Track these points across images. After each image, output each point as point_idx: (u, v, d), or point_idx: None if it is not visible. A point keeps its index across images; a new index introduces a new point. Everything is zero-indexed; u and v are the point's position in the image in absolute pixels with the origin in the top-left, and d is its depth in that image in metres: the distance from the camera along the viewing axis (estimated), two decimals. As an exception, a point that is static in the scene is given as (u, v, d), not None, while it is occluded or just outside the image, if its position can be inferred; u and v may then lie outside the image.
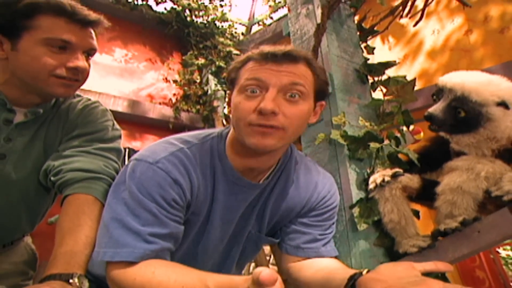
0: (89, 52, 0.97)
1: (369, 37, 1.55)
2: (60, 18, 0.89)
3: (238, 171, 0.92)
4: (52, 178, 0.93)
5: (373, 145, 1.21)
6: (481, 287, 3.11)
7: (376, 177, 1.10)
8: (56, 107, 1.04)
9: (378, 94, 1.42)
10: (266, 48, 0.86)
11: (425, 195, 1.13)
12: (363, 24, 1.55)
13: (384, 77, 1.40)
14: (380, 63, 1.36)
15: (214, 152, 0.92)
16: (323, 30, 1.27)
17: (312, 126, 1.36)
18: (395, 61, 1.34)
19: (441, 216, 0.99)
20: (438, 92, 1.04)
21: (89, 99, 1.11)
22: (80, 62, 0.92)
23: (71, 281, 0.74)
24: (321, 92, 0.93)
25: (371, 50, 1.50)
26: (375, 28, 1.53)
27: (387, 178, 1.07)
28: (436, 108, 0.99)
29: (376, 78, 1.41)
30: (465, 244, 0.96)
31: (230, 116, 0.90)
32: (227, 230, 0.98)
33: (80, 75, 0.95)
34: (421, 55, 3.15)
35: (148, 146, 0.92)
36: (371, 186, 1.10)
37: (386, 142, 1.24)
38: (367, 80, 1.42)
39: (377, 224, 1.14)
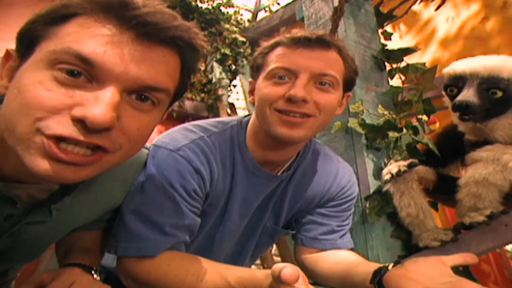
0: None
1: (387, 22, 1.52)
2: None
3: (258, 162, 0.89)
4: None
5: (392, 134, 1.18)
6: (486, 280, 3.11)
7: (391, 168, 1.07)
8: None
9: (394, 82, 1.39)
10: (298, 33, 0.82)
11: (441, 188, 1.10)
12: (380, 9, 1.51)
13: (403, 64, 1.37)
14: (399, 49, 1.33)
15: (234, 142, 0.89)
16: (340, 14, 1.24)
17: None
18: (416, 47, 1.30)
19: (464, 209, 0.96)
20: (457, 81, 0.98)
21: None
22: None
23: (92, 272, 0.72)
24: (350, 82, 0.89)
25: (388, 36, 1.46)
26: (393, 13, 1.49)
27: (403, 168, 1.04)
28: (468, 95, 0.93)
29: (394, 65, 1.37)
30: (491, 237, 0.94)
31: (254, 105, 0.86)
32: (243, 222, 0.95)
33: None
34: (433, 43, 3.09)
35: (166, 132, 0.88)
36: (386, 177, 1.08)
37: (404, 131, 1.21)
38: (385, 67, 1.39)
39: (394, 216, 1.12)
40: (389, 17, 1.50)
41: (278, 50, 0.83)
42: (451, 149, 1.11)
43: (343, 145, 1.25)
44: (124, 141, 0.53)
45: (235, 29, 3.91)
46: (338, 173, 1.02)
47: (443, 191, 1.11)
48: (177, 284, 0.72)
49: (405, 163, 1.06)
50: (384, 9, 1.53)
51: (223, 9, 3.96)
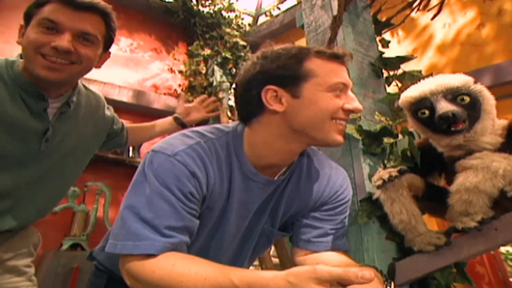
0: (85, 37, 1.01)
1: (384, 30, 1.54)
2: (53, 2, 0.98)
3: (255, 166, 0.92)
4: None
5: (387, 140, 1.21)
6: (481, 282, 3.13)
7: (382, 174, 1.09)
8: (79, 98, 1.16)
9: (391, 89, 1.42)
10: None
11: (428, 196, 1.13)
12: (378, 17, 1.54)
13: (399, 71, 1.39)
14: (396, 57, 1.35)
15: (230, 148, 0.92)
16: (339, 23, 1.26)
17: (325, 120, 1.35)
18: (412, 55, 1.33)
19: (456, 214, 0.99)
20: (423, 103, 1.01)
21: (98, 94, 1.28)
22: (63, 42, 0.96)
23: None
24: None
25: (386, 44, 1.49)
26: (391, 21, 1.52)
27: (394, 174, 1.06)
28: (446, 106, 0.96)
29: (391, 72, 1.40)
30: (481, 241, 0.96)
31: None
32: (241, 226, 0.97)
33: (67, 56, 0.98)
34: (430, 49, 3.12)
35: (164, 139, 0.91)
36: (377, 183, 1.08)
37: (400, 137, 1.23)
38: (382, 74, 1.41)
39: (388, 219, 1.14)
40: (387, 25, 1.53)
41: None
42: (428, 164, 1.14)
43: (341, 150, 1.27)
44: (80, 59, 1.01)
45: (236, 33, 3.94)
46: (331, 177, 1.04)
47: (430, 198, 1.13)
48: (181, 283, 0.73)
49: (395, 169, 1.07)
50: (381, 17, 1.56)
51: (224, 13, 3.99)
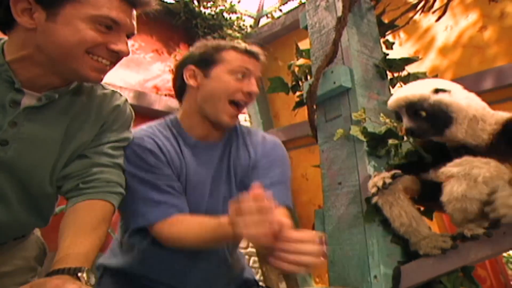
0: (129, 36, 0.90)
1: (388, 32, 1.53)
2: None
3: (196, 137, 1.11)
4: (81, 185, 0.90)
5: (392, 141, 1.19)
6: (482, 285, 3.11)
7: (376, 181, 1.08)
8: (78, 94, 0.94)
9: (395, 90, 1.40)
10: None
11: (425, 196, 1.12)
12: (381, 18, 1.53)
13: (404, 73, 1.38)
14: (401, 59, 1.34)
15: (171, 126, 1.12)
16: (344, 24, 1.25)
17: (329, 122, 1.34)
18: (417, 57, 1.32)
19: (457, 221, 0.98)
20: (396, 113, 1.11)
21: (116, 92, 1.04)
22: (125, 46, 0.86)
23: (79, 274, 0.73)
24: None
25: (390, 45, 1.48)
26: (395, 23, 1.51)
27: (388, 180, 1.05)
28: (405, 122, 1.05)
29: (395, 74, 1.39)
30: (489, 245, 0.95)
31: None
32: (203, 193, 1.09)
33: (116, 59, 0.88)
34: (432, 51, 3.11)
35: None
36: (372, 190, 1.08)
37: (405, 139, 1.22)
38: (386, 75, 1.40)
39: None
40: (391, 26, 1.52)
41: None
42: (435, 153, 1.13)
43: (345, 152, 1.26)
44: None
45: (238, 34, 3.92)
46: (264, 138, 1.18)
47: (428, 198, 1.12)
48: (192, 232, 0.96)
49: (389, 174, 1.07)
50: (385, 19, 1.54)
51: (226, 15, 3.98)
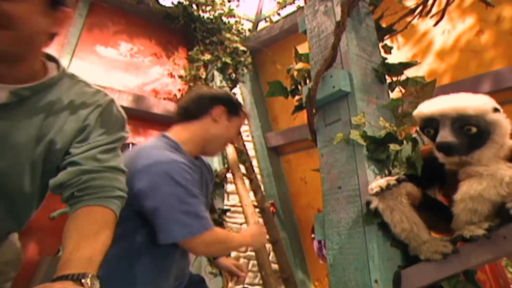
0: None
1: (386, 36, 1.53)
2: None
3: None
4: (76, 193, 0.88)
5: (393, 146, 1.19)
6: (482, 288, 3.11)
7: (380, 182, 1.07)
8: (50, 90, 0.89)
9: (394, 95, 1.40)
10: None
11: (425, 207, 1.11)
12: (380, 23, 1.53)
13: (403, 77, 1.38)
14: (400, 63, 1.34)
15: (178, 151, 1.25)
16: (343, 28, 1.25)
17: (329, 126, 1.34)
18: (416, 61, 1.32)
19: (461, 223, 0.97)
20: (431, 122, 1.01)
21: (100, 92, 0.99)
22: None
23: (83, 281, 0.72)
24: None
25: (388, 50, 1.48)
26: (393, 27, 1.51)
27: (392, 182, 1.04)
28: (446, 136, 0.96)
29: (394, 78, 1.39)
30: (489, 249, 0.95)
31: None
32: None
33: None
34: (430, 55, 3.12)
35: (152, 152, 1.17)
36: (375, 190, 1.07)
37: (405, 144, 1.22)
38: (385, 80, 1.40)
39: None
40: (389, 31, 1.52)
41: None
42: (430, 174, 1.13)
43: (345, 156, 1.26)
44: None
45: (236, 38, 3.94)
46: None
47: (426, 209, 1.12)
48: (232, 239, 1.23)
49: (393, 177, 1.06)
50: (383, 24, 1.55)
51: (224, 19, 3.99)
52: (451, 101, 0.99)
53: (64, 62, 3.35)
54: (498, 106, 0.98)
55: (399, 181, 1.04)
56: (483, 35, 2.79)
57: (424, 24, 3.10)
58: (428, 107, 1.02)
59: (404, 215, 1.04)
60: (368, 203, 1.13)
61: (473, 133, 0.95)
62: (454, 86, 2.72)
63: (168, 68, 4.07)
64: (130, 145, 3.51)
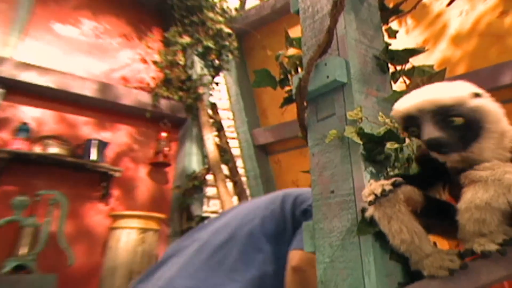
0: None
1: (392, 18, 1.55)
2: None
3: None
4: None
5: (390, 145, 1.20)
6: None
7: (374, 188, 1.08)
8: None
9: (398, 86, 1.42)
10: None
11: (429, 212, 1.13)
12: (385, 3, 1.54)
13: (408, 66, 1.40)
14: (405, 50, 1.36)
15: None
16: (340, 8, 1.26)
17: (321, 122, 1.35)
18: (423, 48, 1.34)
19: (468, 234, 0.99)
20: (411, 121, 1.03)
21: None
22: None
23: None
24: None
25: (393, 34, 1.49)
26: (400, 8, 1.52)
27: (388, 188, 1.05)
28: (431, 131, 0.98)
29: (398, 67, 1.40)
30: (504, 265, 0.96)
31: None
32: None
33: None
34: (443, 40, 3.14)
35: None
36: (369, 198, 1.07)
37: (407, 142, 1.24)
38: (388, 69, 1.42)
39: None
40: (395, 12, 1.53)
41: None
42: (432, 174, 1.14)
43: (339, 156, 1.27)
44: None
45: (220, 18, 3.93)
46: None
47: (430, 215, 1.13)
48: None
49: (389, 182, 1.07)
50: (389, 3, 1.56)
51: (206, -6, 4.00)
52: (425, 93, 1.01)
53: (12, 41, 3.31)
54: (478, 91, 1.00)
55: (395, 185, 1.05)
56: (507, 17, 2.82)
57: (438, 4, 3.12)
58: (402, 105, 1.04)
59: (404, 224, 1.05)
60: (363, 210, 1.15)
61: (460, 124, 0.97)
62: (471, 76, 2.74)
63: (140, 52, 4.05)
64: (95, 142, 3.49)
